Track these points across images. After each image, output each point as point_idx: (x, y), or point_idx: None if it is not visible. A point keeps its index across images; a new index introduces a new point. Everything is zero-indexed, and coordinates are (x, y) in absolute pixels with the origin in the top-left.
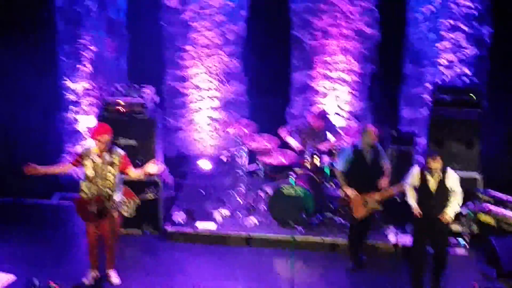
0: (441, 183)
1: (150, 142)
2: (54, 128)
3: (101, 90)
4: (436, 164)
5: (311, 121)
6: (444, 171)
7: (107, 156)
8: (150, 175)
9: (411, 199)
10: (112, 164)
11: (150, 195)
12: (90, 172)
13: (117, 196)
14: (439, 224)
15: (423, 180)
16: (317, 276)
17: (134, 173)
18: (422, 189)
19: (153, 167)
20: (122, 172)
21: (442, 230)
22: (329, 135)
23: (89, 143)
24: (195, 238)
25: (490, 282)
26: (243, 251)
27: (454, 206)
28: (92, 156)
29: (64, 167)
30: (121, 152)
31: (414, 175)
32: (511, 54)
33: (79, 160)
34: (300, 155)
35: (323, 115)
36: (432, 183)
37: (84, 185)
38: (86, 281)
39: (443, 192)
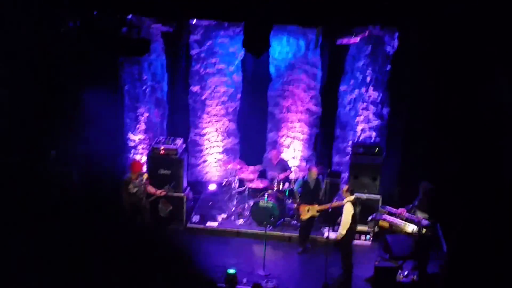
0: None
1: (179, 172)
2: (120, 164)
3: (151, 140)
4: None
5: (271, 156)
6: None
7: (139, 180)
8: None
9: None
10: (142, 183)
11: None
12: (132, 190)
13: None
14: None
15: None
16: (280, 257)
17: (150, 190)
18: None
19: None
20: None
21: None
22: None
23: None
24: (205, 232)
25: (385, 261)
26: (234, 240)
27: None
28: (131, 181)
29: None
30: (145, 175)
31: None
32: (402, 123)
33: (126, 185)
34: (272, 182)
35: (278, 153)
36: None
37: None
38: None
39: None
